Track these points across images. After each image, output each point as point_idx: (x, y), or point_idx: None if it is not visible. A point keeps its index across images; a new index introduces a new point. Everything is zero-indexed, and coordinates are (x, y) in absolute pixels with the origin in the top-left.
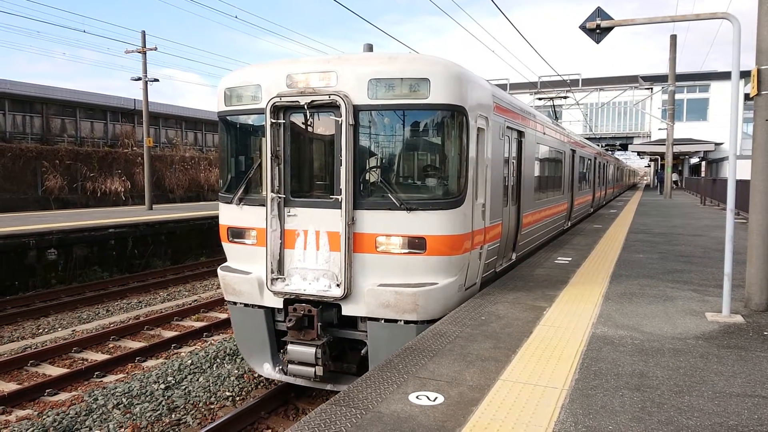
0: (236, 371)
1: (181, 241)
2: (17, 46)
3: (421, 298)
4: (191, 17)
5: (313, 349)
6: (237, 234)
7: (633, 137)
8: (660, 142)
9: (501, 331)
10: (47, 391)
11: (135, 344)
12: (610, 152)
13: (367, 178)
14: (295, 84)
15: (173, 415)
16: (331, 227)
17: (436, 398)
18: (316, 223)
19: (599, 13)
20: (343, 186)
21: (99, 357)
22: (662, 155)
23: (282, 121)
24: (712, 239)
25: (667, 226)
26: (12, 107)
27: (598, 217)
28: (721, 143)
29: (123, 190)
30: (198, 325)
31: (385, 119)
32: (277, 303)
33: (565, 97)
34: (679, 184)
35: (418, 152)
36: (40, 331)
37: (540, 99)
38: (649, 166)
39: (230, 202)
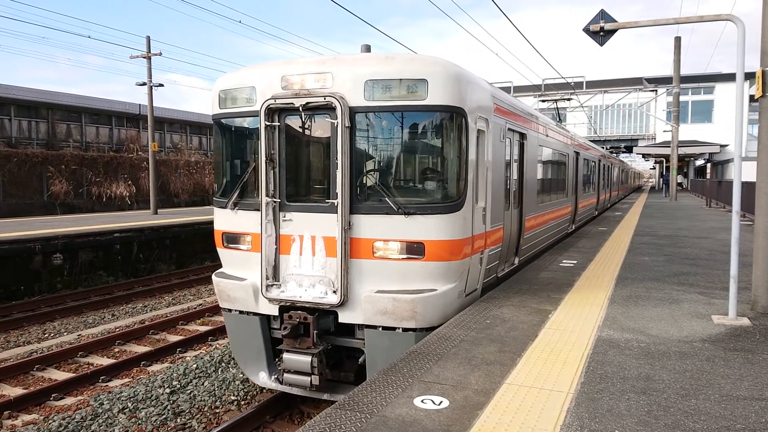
0: (241, 375)
1: (186, 245)
2: (22, 51)
3: (420, 305)
4: (196, 22)
5: (309, 358)
6: (232, 239)
7: (638, 139)
8: (665, 144)
9: (506, 334)
10: (53, 395)
11: (140, 348)
12: (615, 154)
13: (363, 181)
14: (290, 85)
15: (178, 420)
16: (328, 232)
17: (441, 402)
18: (312, 228)
19: (603, 15)
20: (339, 190)
21: (104, 361)
22: (667, 157)
23: (277, 123)
24: (717, 241)
25: (672, 228)
26: (18, 113)
27: (603, 219)
28: (727, 145)
29: (128, 194)
30: (203, 329)
31: (382, 121)
32: (273, 310)
33: (568, 99)
34: (684, 186)
35: (417, 155)
36: (46, 335)
37: (543, 101)
38: (654, 168)
39: (225, 207)
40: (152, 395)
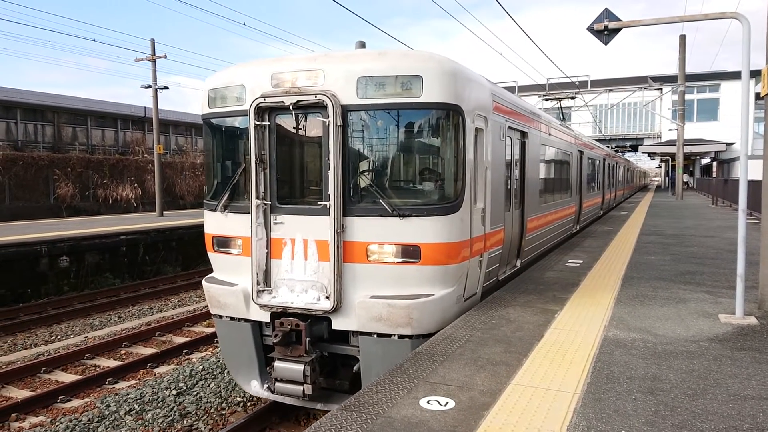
0: None
1: (191, 247)
2: (28, 55)
3: (416, 311)
4: (200, 25)
5: (301, 366)
6: (222, 243)
7: (643, 138)
8: (670, 142)
9: (512, 334)
10: (60, 397)
11: (147, 350)
12: (620, 153)
13: (357, 182)
14: (280, 84)
15: (185, 421)
16: (320, 235)
17: (447, 403)
18: (304, 232)
19: (607, 14)
20: (331, 191)
21: (111, 363)
22: (673, 156)
23: (267, 123)
24: (724, 240)
25: (678, 227)
26: (24, 116)
27: (609, 219)
28: (733, 143)
29: (134, 197)
30: (209, 330)
31: (375, 120)
32: (264, 316)
33: (572, 98)
34: (690, 184)
35: (412, 155)
36: (53, 338)
37: (547, 100)
38: (660, 167)
39: (215, 210)
40: (159, 397)
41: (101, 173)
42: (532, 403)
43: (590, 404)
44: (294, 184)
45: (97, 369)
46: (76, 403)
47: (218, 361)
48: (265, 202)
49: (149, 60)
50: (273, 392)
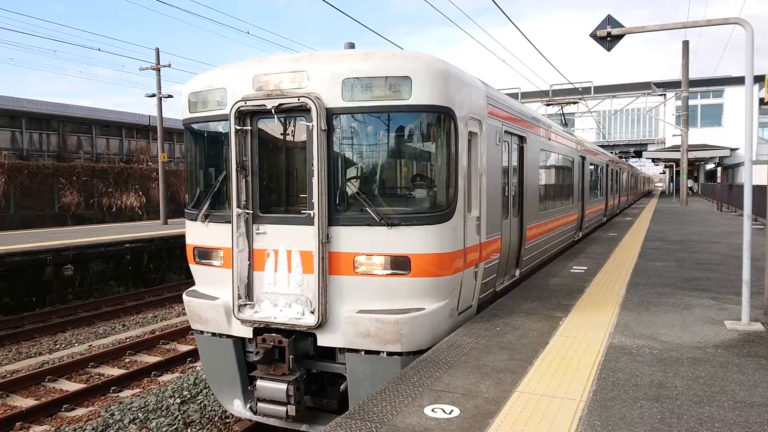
0: None
1: None
2: (34, 65)
3: (406, 326)
4: (204, 34)
5: (284, 386)
6: (203, 254)
7: (647, 144)
8: (674, 148)
9: (516, 341)
10: (64, 406)
11: (151, 359)
12: (624, 159)
13: (343, 190)
14: (262, 86)
15: (189, 430)
16: (304, 246)
17: (451, 411)
18: (288, 242)
19: (610, 21)
20: (315, 199)
21: (115, 372)
22: (677, 162)
23: (248, 127)
24: (729, 246)
25: (683, 233)
26: (29, 125)
27: (613, 225)
28: (737, 148)
29: (138, 205)
30: None
31: (362, 123)
32: (247, 332)
33: (574, 103)
34: (695, 190)
35: (401, 160)
36: (57, 346)
37: (548, 105)
38: (664, 172)
39: (195, 219)
40: (163, 405)
41: (106, 181)
42: (537, 410)
43: (596, 412)
44: (277, 192)
45: (102, 377)
46: (80, 411)
47: None
48: (247, 211)
49: (154, 69)
50: (255, 413)
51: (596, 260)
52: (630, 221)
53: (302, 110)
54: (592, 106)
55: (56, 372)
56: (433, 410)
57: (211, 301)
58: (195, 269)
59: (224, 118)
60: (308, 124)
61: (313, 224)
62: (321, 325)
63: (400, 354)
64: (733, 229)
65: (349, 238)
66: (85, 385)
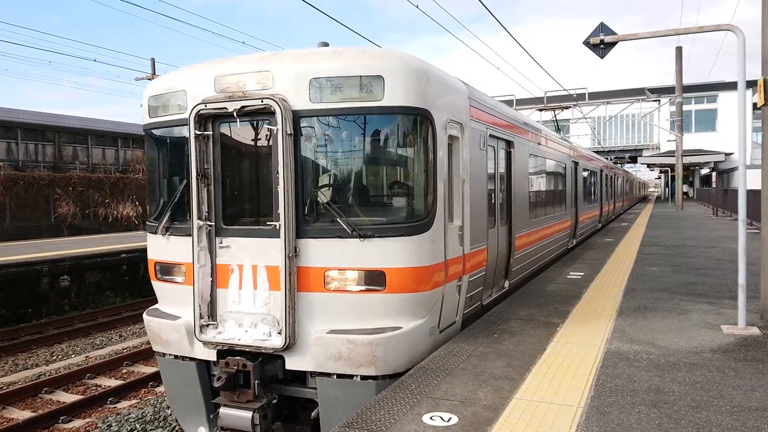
0: None
1: None
2: (29, 76)
3: (380, 348)
4: (200, 44)
5: (249, 414)
6: (165, 270)
7: (642, 149)
8: (669, 153)
9: (514, 348)
10: (61, 418)
11: (148, 369)
12: (619, 165)
13: (312, 199)
14: (225, 88)
15: None
16: (271, 261)
17: (450, 419)
18: (253, 257)
19: (602, 28)
20: (281, 210)
21: (112, 383)
22: (672, 167)
23: (209, 132)
24: (725, 250)
25: (679, 238)
26: (24, 136)
27: (609, 231)
28: (732, 153)
29: (135, 215)
30: None
31: (331, 127)
32: (211, 355)
33: (567, 107)
34: (690, 195)
35: (374, 167)
36: (54, 357)
37: (540, 110)
38: (660, 178)
39: (156, 232)
40: (160, 416)
41: (102, 192)
42: (535, 417)
43: (594, 418)
44: (242, 202)
45: (99, 389)
46: (77, 423)
47: None
48: (209, 223)
49: (149, 79)
50: None
51: (593, 266)
52: (626, 226)
53: (267, 113)
54: (587, 113)
55: (53, 383)
56: (431, 418)
57: (172, 321)
58: (157, 286)
59: (185, 122)
60: (273, 127)
61: (279, 237)
62: (289, 346)
63: (374, 378)
64: (729, 234)
65: (318, 252)
66: (82, 397)
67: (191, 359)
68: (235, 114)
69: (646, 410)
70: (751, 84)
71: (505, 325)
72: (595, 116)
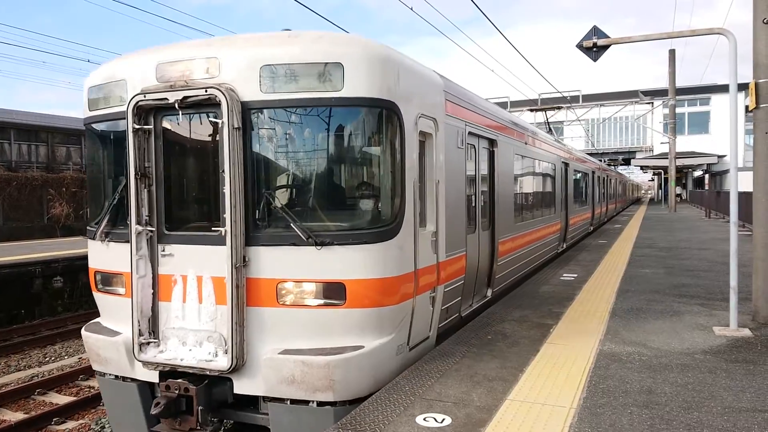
0: None
1: None
2: (22, 76)
3: (339, 370)
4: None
5: None
6: (105, 280)
7: (635, 151)
8: (662, 155)
9: (508, 350)
10: (54, 419)
11: None
12: (613, 167)
13: (263, 201)
14: (168, 77)
15: None
16: (217, 271)
17: (443, 420)
18: (198, 266)
19: (596, 31)
20: (228, 213)
21: None
22: (665, 169)
23: (149, 126)
24: (717, 252)
25: (672, 240)
26: (17, 137)
27: (603, 232)
28: (724, 155)
29: None
30: None
31: (286, 121)
32: (154, 376)
33: (559, 108)
34: (683, 197)
35: (334, 165)
36: (47, 359)
37: (531, 111)
38: (653, 180)
39: (94, 238)
40: None
41: None
42: (528, 418)
43: (586, 419)
44: (188, 205)
45: (92, 390)
46: (70, 425)
47: None
48: (149, 228)
49: None
50: None
51: (586, 268)
52: (619, 228)
53: (213, 104)
54: (581, 115)
55: (46, 385)
56: (425, 419)
57: (110, 338)
58: (97, 298)
59: (124, 116)
60: (218, 121)
61: (225, 244)
62: (236, 368)
63: (333, 404)
64: (721, 236)
65: (271, 261)
66: (75, 398)
67: (132, 380)
68: (177, 106)
69: (638, 411)
70: (743, 87)
71: (498, 326)
72: (588, 118)
